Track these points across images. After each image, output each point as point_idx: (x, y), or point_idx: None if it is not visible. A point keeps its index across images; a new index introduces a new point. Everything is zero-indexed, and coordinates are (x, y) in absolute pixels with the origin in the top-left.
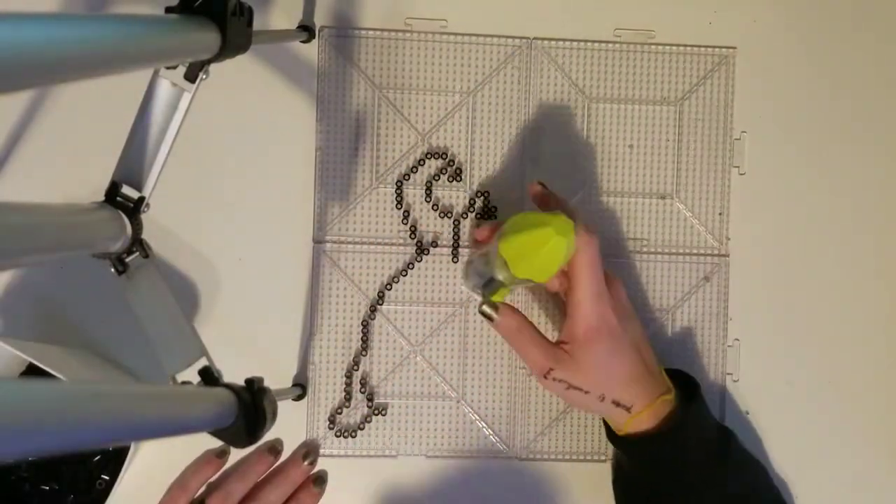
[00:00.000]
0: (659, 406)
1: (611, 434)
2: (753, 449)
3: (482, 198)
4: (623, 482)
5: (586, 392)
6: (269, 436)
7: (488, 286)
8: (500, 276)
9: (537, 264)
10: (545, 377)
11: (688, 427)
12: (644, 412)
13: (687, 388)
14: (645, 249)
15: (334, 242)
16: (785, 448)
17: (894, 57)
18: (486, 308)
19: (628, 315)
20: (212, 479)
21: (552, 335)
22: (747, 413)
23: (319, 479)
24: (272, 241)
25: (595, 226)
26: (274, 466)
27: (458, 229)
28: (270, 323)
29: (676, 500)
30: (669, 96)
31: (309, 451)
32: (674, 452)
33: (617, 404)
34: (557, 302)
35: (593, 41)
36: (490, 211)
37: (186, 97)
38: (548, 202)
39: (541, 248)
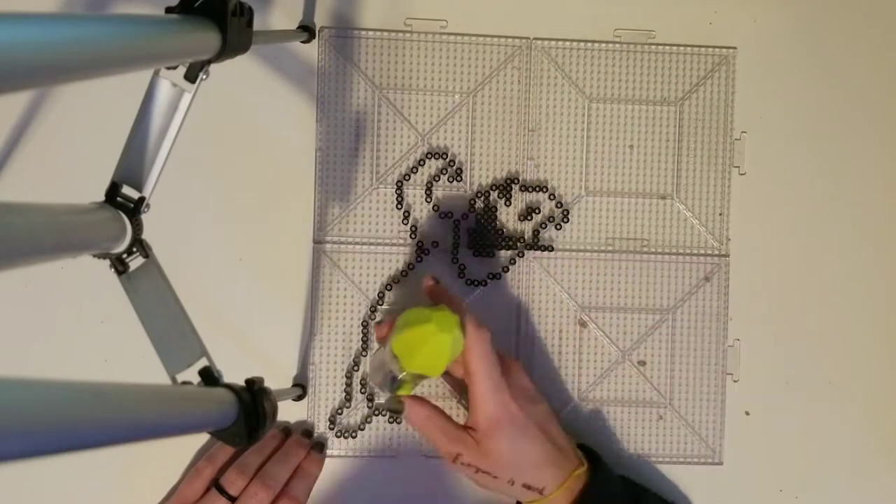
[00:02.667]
0: (572, 482)
1: None
2: (753, 449)
3: (483, 198)
4: None
5: (495, 476)
6: None
7: (393, 382)
8: (398, 373)
9: (425, 359)
10: (453, 461)
11: (594, 495)
12: (557, 492)
13: (591, 459)
14: (645, 249)
15: (334, 243)
16: (785, 448)
17: (895, 57)
18: (392, 404)
19: (530, 398)
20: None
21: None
22: (747, 413)
23: (319, 445)
24: (272, 241)
25: (485, 325)
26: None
27: (459, 229)
28: (270, 323)
29: None
30: (669, 96)
31: (308, 429)
32: None
33: (528, 487)
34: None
35: (593, 41)
36: (491, 211)
37: (186, 97)
38: (438, 297)
39: (425, 344)
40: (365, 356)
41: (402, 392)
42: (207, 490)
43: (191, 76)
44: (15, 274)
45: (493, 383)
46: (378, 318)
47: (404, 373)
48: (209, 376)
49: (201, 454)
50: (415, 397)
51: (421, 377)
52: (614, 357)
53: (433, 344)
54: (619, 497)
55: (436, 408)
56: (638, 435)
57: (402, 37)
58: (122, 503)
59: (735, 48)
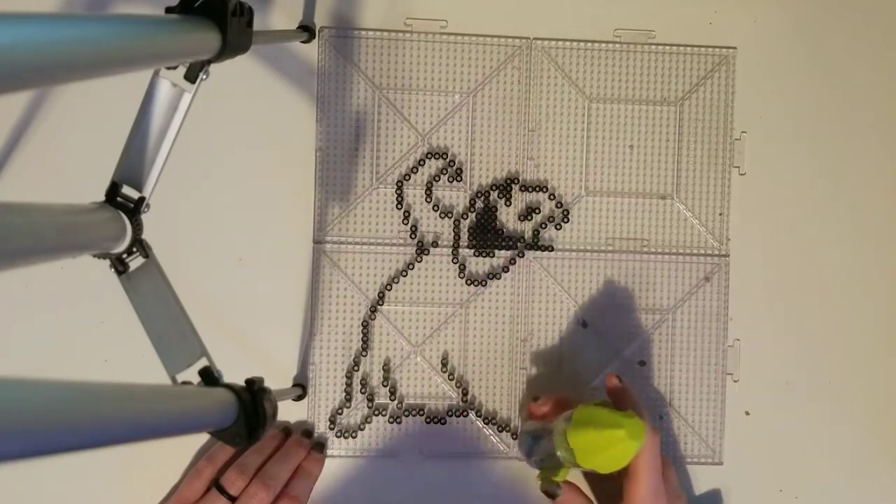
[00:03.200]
0: None
1: None
2: (753, 449)
3: (483, 198)
4: None
5: None
6: None
7: (549, 462)
8: (561, 456)
9: (605, 460)
10: None
11: None
12: None
13: None
14: (645, 249)
15: (334, 243)
16: (785, 448)
17: (894, 57)
18: (549, 486)
19: (677, 499)
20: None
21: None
22: (747, 413)
23: (319, 445)
24: (272, 241)
25: (656, 427)
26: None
27: (459, 229)
28: (270, 323)
29: None
30: (669, 96)
31: (308, 429)
32: None
33: None
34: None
35: (593, 41)
36: (491, 211)
37: (186, 97)
38: (622, 398)
39: (611, 448)
40: (365, 356)
41: (558, 477)
42: (208, 490)
43: (191, 76)
44: (15, 274)
45: (653, 490)
46: (533, 396)
47: (570, 461)
48: (209, 376)
49: (201, 454)
50: (572, 486)
51: (587, 470)
52: (613, 357)
53: (620, 450)
54: None
55: (588, 499)
56: None
57: (402, 37)
58: (122, 503)
59: (735, 48)
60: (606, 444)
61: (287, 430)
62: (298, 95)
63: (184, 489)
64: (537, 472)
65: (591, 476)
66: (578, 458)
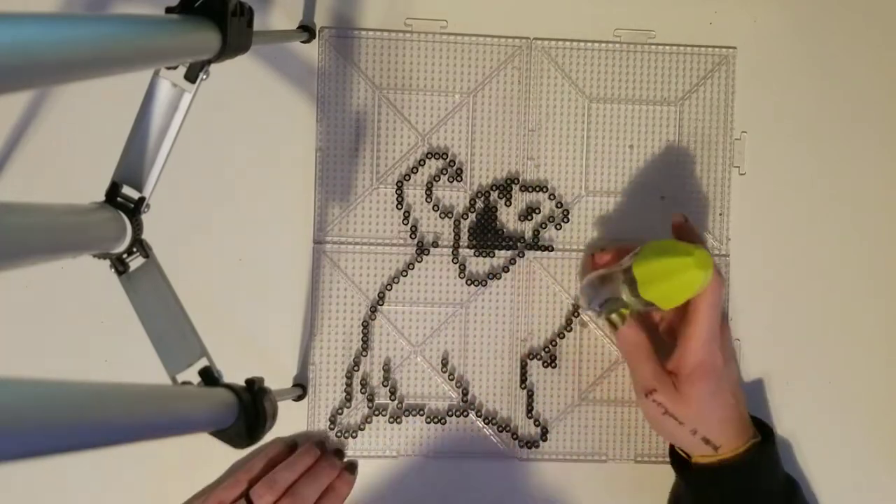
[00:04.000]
0: (744, 450)
1: (677, 465)
2: None
3: (483, 198)
4: None
5: (681, 423)
6: (268, 436)
7: (608, 304)
8: (623, 296)
9: (668, 291)
10: (646, 396)
11: (760, 466)
12: (730, 455)
13: (763, 433)
14: None
15: (335, 243)
16: (785, 448)
17: (894, 56)
18: (614, 317)
19: (733, 358)
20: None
21: None
22: None
23: (352, 466)
24: (272, 241)
25: (722, 276)
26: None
27: (459, 229)
28: (270, 323)
29: None
30: (669, 96)
31: (340, 449)
32: (741, 485)
33: (707, 441)
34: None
35: (593, 41)
36: (491, 211)
37: (187, 97)
38: (688, 235)
39: (677, 276)
40: (365, 356)
41: (616, 316)
42: (237, 499)
43: (191, 76)
44: (15, 274)
45: (711, 332)
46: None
47: (630, 297)
48: (209, 376)
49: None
50: (634, 322)
51: (645, 307)
52: (614, 357)
53: (685, 278)
54: (779, 478)
55: (648, 339)
56: (638, 435)
57: (402, 37)
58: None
59: (735, 48)
60: (673, 272)
61: (322, 444)
62: (298, 95)
63: (220, 492)
64: (601, 317)
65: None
66: (642, 288)
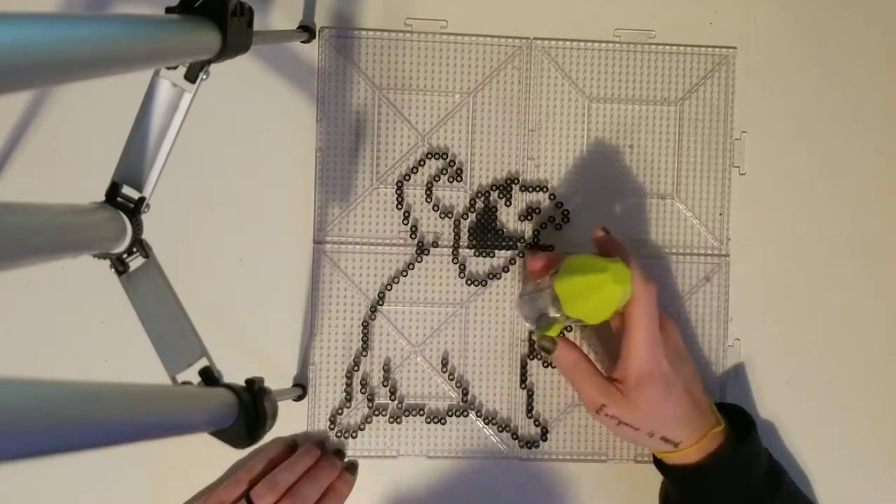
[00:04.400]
0: (706, 441)
1: (658, 463)
2: None
3: (483, 198)
4: None
5: (636, 429)
6: (268, 437)
7: (542, 320)
8: (552, 313)
9: (590, 307)
10: (597, 412)
11: (735, 463)
12: (691, 448)
13: (742, 422)
14: (645, 250)
15: (335, 243)
16: (785, 448)
17: (894, 57)
18: (543, 342)
19: (680, 356)
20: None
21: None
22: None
23: (352, 466)
24: (272, 241)
25: (652, 280)
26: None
27: (459, 229)
28: (270, 323)
29: None
30: (669, 96)
31: (341, 449)
32: (719, 485)
33: (665, 440)
34: (611, 336)
35: (593, 41)
36: (491, 211)
37: (187, 97)
38: (609, 248)
39: (595, 293)
40: (365, 356)
41: (551, 332)
42: (238, 499)
43: (191, 76)
44: (15, 274)
45: (650, 339)
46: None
47: (560, 314)
48: (209, 376)
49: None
50: (566, 341)
51: (576, 321)
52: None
53: (604, 294)
54: (759, 471)
55: (585, 355)
56: None
57: (402, 37)
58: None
59: (735, 48)
60: (591, 289)
61: (322, 444)
62: (298, 95)
63: (220, 492)
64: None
65: (598, 339)
66: (565, 306)
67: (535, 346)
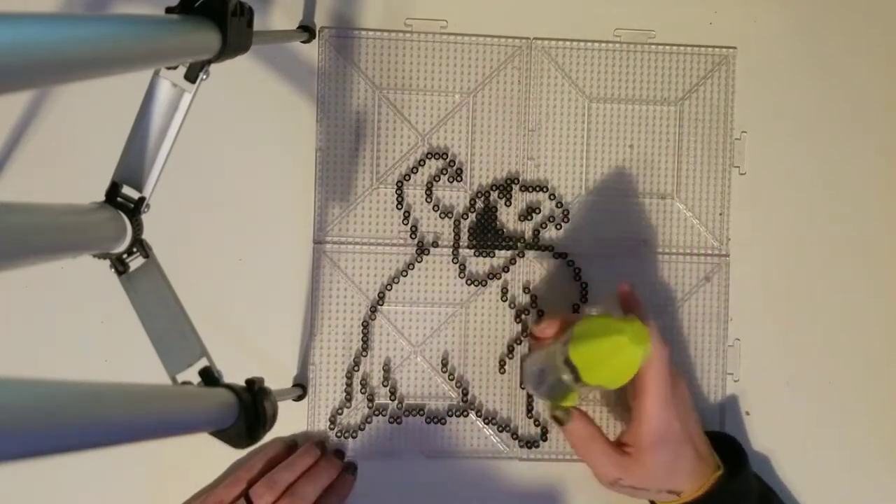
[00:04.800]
0: (707, 485)
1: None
2: (754, 449)
3: (483, 198)
4: None
5: (646, 490)
6: (268, 436)
7: (556, 389)
8: (566, 379)
9: (611, 372)
10: (612, 485)
11: (729, 495)
12: (692, 496)
13: (732, 452)
14: (645, 250)
15: (335, 243)
16: (785, 448)
17: (894, 56)
18: (557, 412)
19: (687, 410)
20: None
21: (610, 425)
22: (747, 413)
23: (352, 467)
24: (272, 241)
25: (667, 342)
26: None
27: (459, 229)
28: (270, 323)
29: None
30: (669, 96)
31: (340, 449)
32: None
33: (670, 492)
34: (619, 395)
35: (593, 41)
36: (491, 211)
37: (187, 97)
38: (630, 304)
39: (615, 357)
40: (365, 356)
41: (567, 402)
42: (237, 498)
43: (191, 76)
44: (15, 274)
45: (663, 402)
46: (535, 320)
47: (575, 381)
48: (209, 376)
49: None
50: (581, 413)
51: (594, 388)
52: None
53: (624, 356)
54: (753, 497)
55: (598, 428)
56: None
57: (402, 37)
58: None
59: (735, 48)
60: (610, 353)
61: (322, 444)
62: (298, 95)
63: (220, 491)
64: (547, 403)
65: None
66: (583, 374)
67: (549, 415)
